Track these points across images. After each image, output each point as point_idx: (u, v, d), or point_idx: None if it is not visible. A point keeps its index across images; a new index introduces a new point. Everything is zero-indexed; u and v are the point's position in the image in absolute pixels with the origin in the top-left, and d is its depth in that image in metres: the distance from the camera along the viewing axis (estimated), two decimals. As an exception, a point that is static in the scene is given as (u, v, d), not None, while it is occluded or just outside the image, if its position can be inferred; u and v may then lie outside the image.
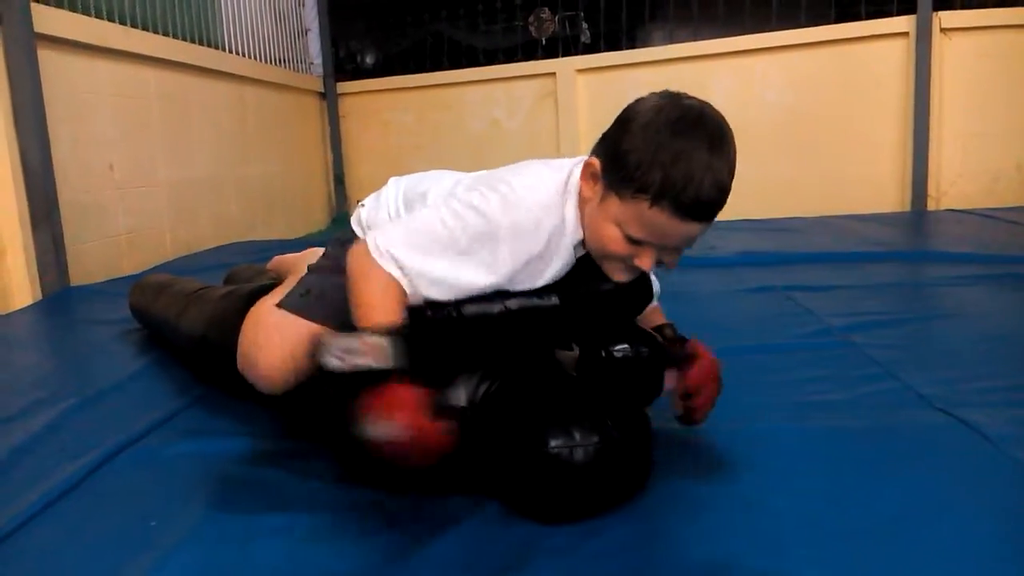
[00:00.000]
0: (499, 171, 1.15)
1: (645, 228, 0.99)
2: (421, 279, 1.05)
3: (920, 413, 1.34)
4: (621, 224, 1.00)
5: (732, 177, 0.99)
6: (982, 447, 1.19)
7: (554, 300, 1.09)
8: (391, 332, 0.95)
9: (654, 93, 1.03)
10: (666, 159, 0.95)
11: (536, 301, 1.09)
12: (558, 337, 1.15)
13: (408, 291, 1.05)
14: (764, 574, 0.90)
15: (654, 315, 1.27)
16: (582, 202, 1.07)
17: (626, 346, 1.09)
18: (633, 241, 1.01)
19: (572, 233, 1.08)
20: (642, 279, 1.09)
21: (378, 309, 1.00)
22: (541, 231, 1.06)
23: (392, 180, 1.30)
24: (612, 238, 1.02)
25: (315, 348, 0.92)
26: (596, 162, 1.03)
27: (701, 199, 0.95)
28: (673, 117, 0.97)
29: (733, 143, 1.00)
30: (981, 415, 1.29)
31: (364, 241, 1.06)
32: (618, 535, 0.99)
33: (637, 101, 1.03)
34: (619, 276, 1.07)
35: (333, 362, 0.90)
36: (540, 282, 1.10)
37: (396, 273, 1.03)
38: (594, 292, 1.06)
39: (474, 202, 1.06)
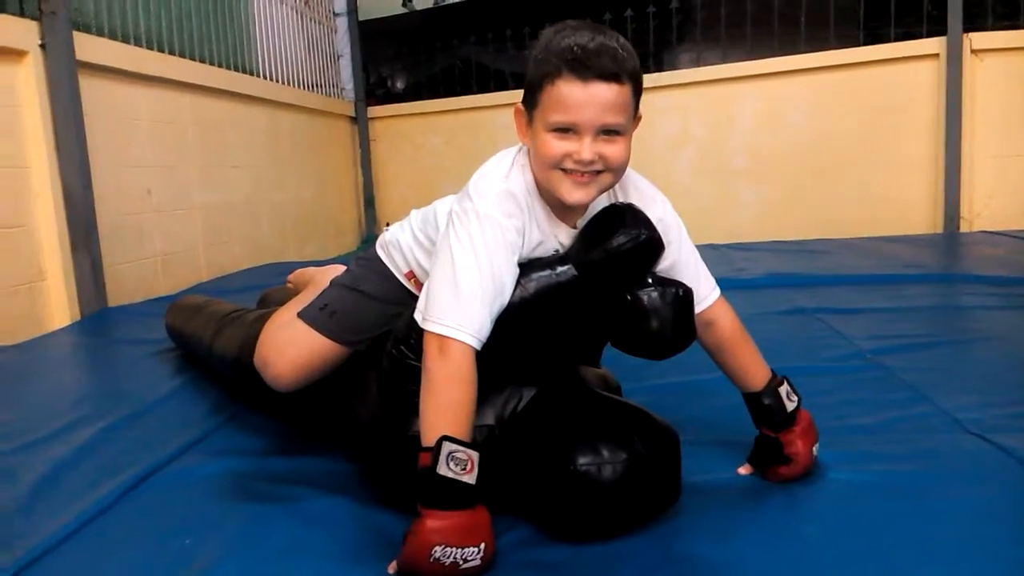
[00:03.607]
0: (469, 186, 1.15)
1: (560, 108, 1.02)
2: (487, 311, 1.01)
3: (954, 438, 1.33)
4: (546, 123, 1.04)
5: (628, 50, 1.03)
6: (1017, 472, 1.18)
7: (571, 272, 1.09)
8: (477, 447, 0.96)
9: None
10: (553, 47, 1.03)
11: (553, 278, 1.08)
12: (582, 310, 1.12)
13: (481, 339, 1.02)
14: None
15: (756, 367, 1.21)
16: (530, 158, 1.11)
17: (651, 287, 1.08)
18: (560, 131, 1.03)
19: (537, 199, 1.10)
20: (648, 232, 1.07)
21: (462, 413, 0.98)
22: (511, 194, 1.07)
23: (413, 211, 1.33)
24: (545, 142, 1.05)
25: (434, 451, 0.93)
26: (517, 104, 1.11)
27: (588, 53, 1.00)
28: (555, 29, 1.06)
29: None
30: (1016, 440, 1.27)
31: (428, 333, 1.02)
32: (649, 558, 0.99)
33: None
34: (573, 194, 1.05)
35: (448, 473, 0.92)
36: (530, 251, 1.10)
37: (462, 336, 0.99)
38: (607, 251, 1.06)
39: (466, 212, 1.06)
